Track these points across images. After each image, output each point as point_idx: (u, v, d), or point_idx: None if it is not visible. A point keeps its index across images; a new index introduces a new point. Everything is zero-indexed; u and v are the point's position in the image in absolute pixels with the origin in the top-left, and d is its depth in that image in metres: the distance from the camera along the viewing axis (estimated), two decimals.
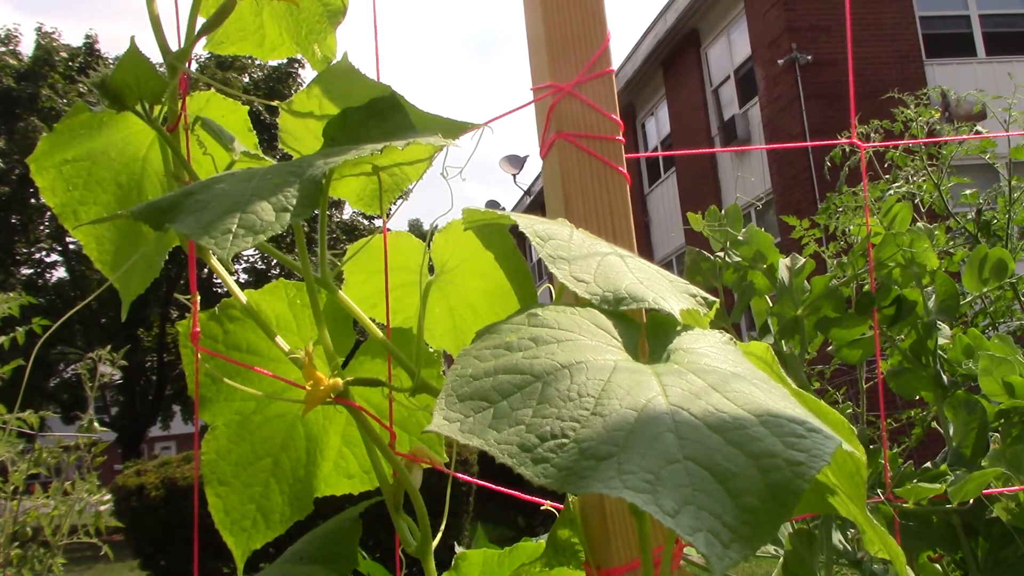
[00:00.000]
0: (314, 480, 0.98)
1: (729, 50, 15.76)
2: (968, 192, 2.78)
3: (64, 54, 21.78)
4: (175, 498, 6.45)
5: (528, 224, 0.69)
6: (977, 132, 3.15)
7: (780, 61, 13.39)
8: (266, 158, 0.92)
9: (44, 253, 22.37)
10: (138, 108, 0.85)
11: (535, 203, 23.01)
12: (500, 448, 0.47)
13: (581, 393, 0.50)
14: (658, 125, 18.93)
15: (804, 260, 1.51)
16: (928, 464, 1.41)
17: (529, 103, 0.93)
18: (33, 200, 20.09)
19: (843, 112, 12.17)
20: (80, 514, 3.79)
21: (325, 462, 0.99)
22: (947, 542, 1.32)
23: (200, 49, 0.95)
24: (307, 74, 21.16)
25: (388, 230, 0.99)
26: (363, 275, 1.01)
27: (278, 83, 22.11)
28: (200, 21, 0.89)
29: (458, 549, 1.00)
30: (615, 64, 0.93)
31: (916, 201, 2.76)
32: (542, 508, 0.93)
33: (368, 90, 0.86)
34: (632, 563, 0.77)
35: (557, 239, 0.68)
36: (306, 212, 0.66)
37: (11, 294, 3.79)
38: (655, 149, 18.44)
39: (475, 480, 1.04)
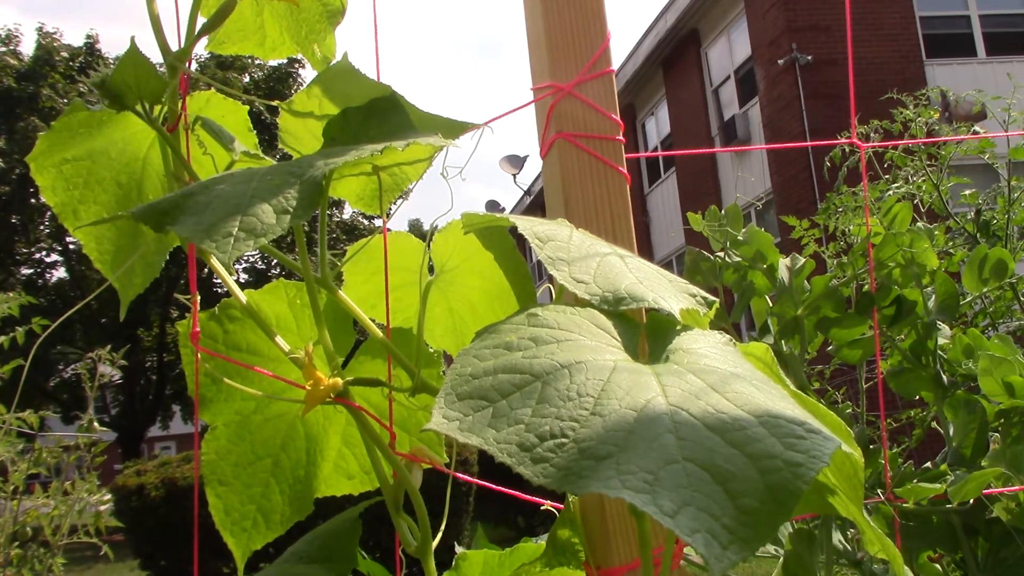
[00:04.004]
0: (314, 480, 0.98)
1: (729, 50, 15.76)
2: (968, 192, 2.78)
3: (65, 54, 21.77)
4: (175, 498, 6.45)
5: (527, 226, 0.69)
6: (976, 132, 3.15)
7: (780, 61, 13.39)
8: (266, 158, 0.92)
9: (44, 253, 22.37)
10: (138, 108, 0.85)
11: (535, 203, 23.01)
12: (499, 447, 0.47)
13: (581, 393, 0.50)
14: (658, 125, 18.93)
15: (804, 260, 1.51)
16: (928, 464, 1.41)
17: (529, 103, 0.93)
18: (33, 200, 20.09)
19: (843, 112, 12.17)
20: (80, 514, 3.79)
21: (325, 462, 0.99)
22: (947, 542, 1.32)
23: (200, 49, 0.96)
24: (307, 74, 21.15)
25: (388, 230, 0.99)
26: (363, 275, 1.01)
27: (278, 83, 22.11)
28: (200, 21, 0.89)
29: (458, 549, 1.00)
30: (615, 64, 0.93)
31: (916, 201, 2.76)
32: (542, 508, 0.93)
33: (368, 90, 0.86)
34: (632, 563, 0.77)
35: (556, 240, 0.68)
36: (306, 213, 0.66)
37: (11, 294, 3.79)
38: (655, 149, 18.43)
39: (475, 480, 1.04)
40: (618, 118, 0.89)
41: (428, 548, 0.84)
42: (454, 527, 6.49)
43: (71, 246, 21.40)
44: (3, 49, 21.22)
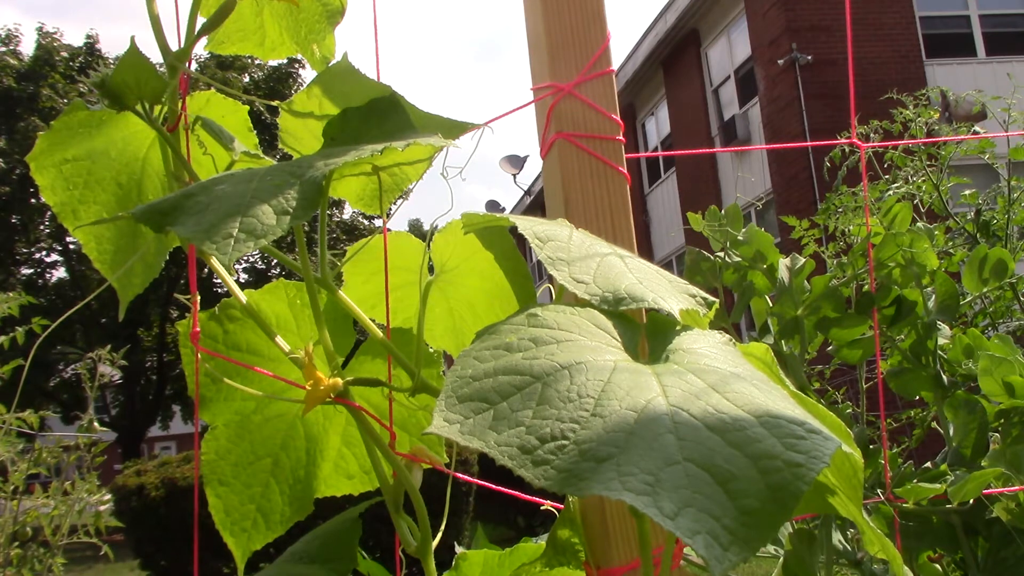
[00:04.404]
0: (314, 480, 0.98)
1: (729, 50, 15.76)
2: (968, 192, 2.78)
3: (65, 54, 21.78)
4: (175, 498, 6.45)
5: (527, 226, 0.69)
6: (976, 132, 3.15)
7: (780, 61, 13.39)
8: (266, 158, 0.92)
9: (44, 253, 22.38)
10: (138, 108, 0.85)
11: (535, 203, 23.01)
12: (500, 450, 0.47)
13: (581, 394, 0.50)
14: (658, 125, 18.93)
15: (804, 260, 1.51)
16: (928, 464, 1.41)
17: (529, 103, 0.93)
18: (33, 200, 20.10)
19: (843, 112, 12.17)
20: (80, 514, 3.79)
21: (325, 462, 0.99)
22: (947, 542, 1.32)
23: (200, 49, 0.96)
24: (307, 74, 21.16)
25: (388, 230, 0.99)
26: (363, 275, 1.01)
27: (278, 83, 22.12)
28: (200, 21, 0.89)
29: (458, 549, 1.00)
30: (615, 64, 0.93)
31: (916, 201, 2.76)
32: (542, 508, 0.93)
33: (368, 90, 0.86)
34: (632, 563, 0.77)
35: (556, 240, 0.68)
36: (307, 214, 0.66)
37: (11, 294, 3.79)
38: (655, 149, 18.43)
39: (475, 480, 1.04)
40: (618, 118, 0.89)
41: (428, 548, 0.84)
42: (454, 527, 6.49)
43: (71, 246, 21.40)
44: (3, 49, 21.23)
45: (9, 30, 21.72)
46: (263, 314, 0.93)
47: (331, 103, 0.91)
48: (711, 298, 0.71)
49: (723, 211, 1.54)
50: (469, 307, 1.00)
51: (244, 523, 0.95)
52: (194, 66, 1.00)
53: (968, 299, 1.68)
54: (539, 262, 0.66)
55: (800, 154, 12.60)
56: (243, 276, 22.15)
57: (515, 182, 21.21)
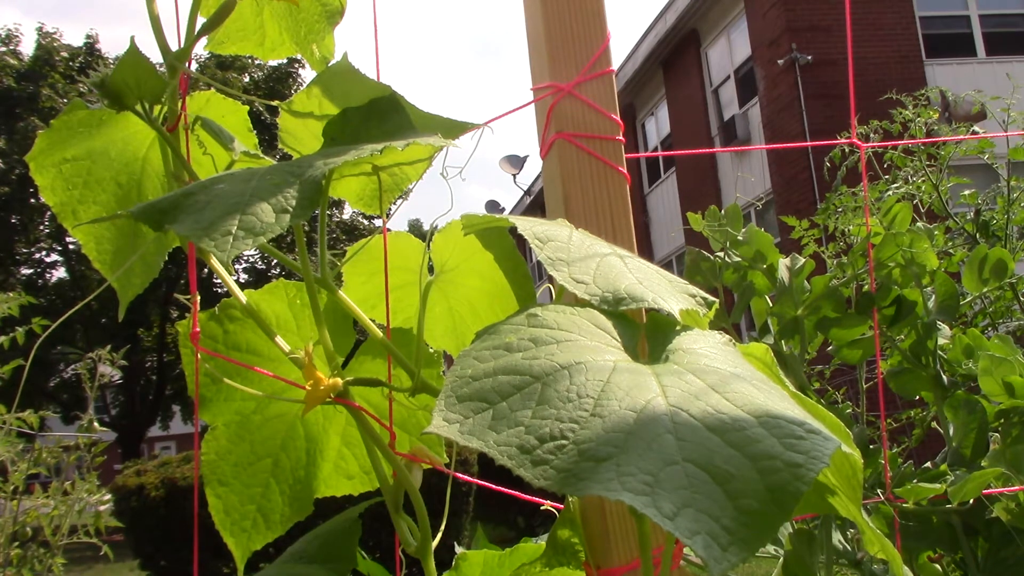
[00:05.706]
0: (314, 481, 0.98)
1: (729, 50, 15.76)
2: (967, 192, 2.78)
3: (64, 54, 21.79)
4: (175, 498, 6.45)
5: (527, 226, 0.69)
6: (975, 132, 3.15)
7: (780, 61, 13.40)
8: (266, 158, 0.92)
9: (44, 253, 22.39)
10: (138, 108, 0.85)
11: (535, 203, 23.01)
12: (499, 450, 0.47)
13: (580, 394, 0.50)
14: (658, 125, 18.93)
15: (804, 260, 1.51)
16: (928, 464, 1.41)
17: (529, 103, 0.93)
18: (33, 200, 20.10)
19: (843, 112, 12.17)
20: (80, 514, 3.79)
21: (325, 463, 0.99)
22: (947, 542, 1.32)
23: (200, 49, 0.96)
24: (307, 74, 21.16)
25: (388, 230, 0.99)
26: (363, 275, 1.01)
27: (278, 83, 22.12)
28: (200, 21, 0.89)
29: (458, 549, 1.00)
30: (615, 64, 0.93)
31: (915, 201, 2.76)
32: (542, 508, 0.93)
33: (368, 90, 0.86)
34: (632, 563, 0.77)
35: (556, 240, 0.68)
36: (306, 213, 0.66)
37: (11, 294, 3.79)
38: (655, 149, 18.43)
39: (475, 480, 1.04)
40: (618, 118, 0.89)
41: (428, 548, 0.84)
42: (454, 527, 6.49)
43: (71, 246, 21.40)
44: (3, 49, 21.23)
45: (9, 30, 21.73)
46: (263, 314, 0.93)
47: (331, 103, 0.91)
48: (711, 298, 0.70)
49: (723, 211, 1.54)
50: (469, 307, 1.00)
51: (244, 523, 0.95)
52: (194, 66, 1.00)
53: (968, 299, 1.68)
54: (539, 262, 0.66)
55: (800, 154, 12.60)
56: (243, 276, 22.15)
57: (515, 182, 21.23)
